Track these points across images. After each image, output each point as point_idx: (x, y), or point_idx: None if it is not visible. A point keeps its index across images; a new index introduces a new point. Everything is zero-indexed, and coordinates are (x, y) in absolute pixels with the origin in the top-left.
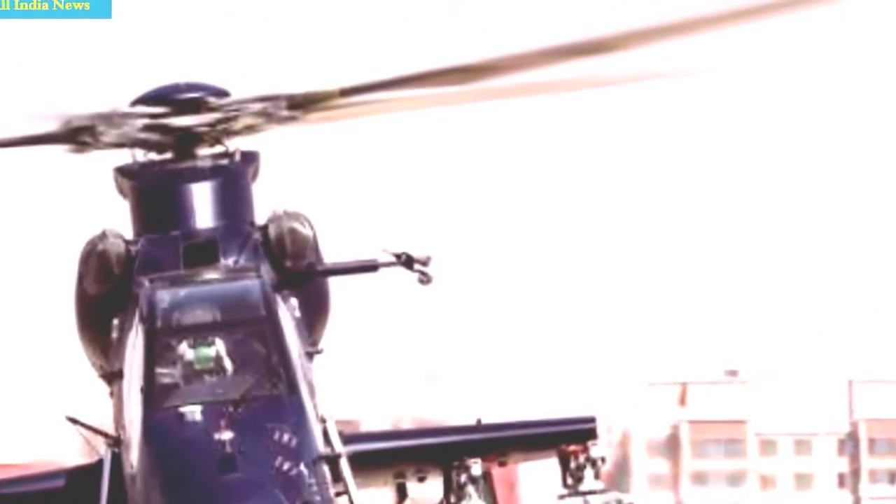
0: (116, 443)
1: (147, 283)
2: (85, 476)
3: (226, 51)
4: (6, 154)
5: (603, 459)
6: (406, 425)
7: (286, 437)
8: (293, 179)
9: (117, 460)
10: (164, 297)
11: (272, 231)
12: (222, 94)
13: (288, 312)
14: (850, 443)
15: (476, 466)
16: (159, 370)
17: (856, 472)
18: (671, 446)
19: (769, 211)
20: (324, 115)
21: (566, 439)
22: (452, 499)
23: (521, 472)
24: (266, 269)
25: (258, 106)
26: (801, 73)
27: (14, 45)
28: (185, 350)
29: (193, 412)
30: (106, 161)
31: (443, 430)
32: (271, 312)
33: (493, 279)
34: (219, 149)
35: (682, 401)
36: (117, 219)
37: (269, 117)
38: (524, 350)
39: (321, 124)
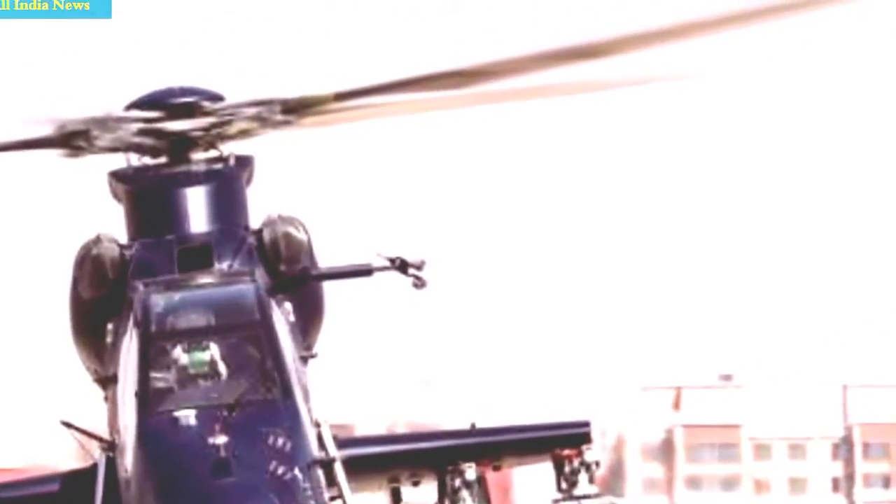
0: (111, 447)
1: (141, 288)
2: (79, 480)
3: (223, 52)
4: (0, 158)
5: (597, 463)
6: (400, 430)
7: (280, 441)
8: (288, 184)
9: (112, 465)
10: (159, 301)
11: (267, 235)
12: (217, 98)
13: (282, 317)
14: (844, 447)
15: (470, 471)
16: (154, 374)
17: (850, 477)
18: (665, 450)
19: (764, 215)
20: (318, 119)
21: (560, 443)
22: (447, 503)
23: (516, 476)
24: (260, 274)
25: (252, 110)
26: (797, 78)
27: (14, 45)
28: (180, 354)
29: (188, 416)
30: (100, 165)
31: (437, 434)
32: (266, 317)
33: (488, 283)
34: (213, 153)
35: (677, 405)
36: (112, 223)
37: (263, 122)
38: (518, 354)
39: (315, 129)
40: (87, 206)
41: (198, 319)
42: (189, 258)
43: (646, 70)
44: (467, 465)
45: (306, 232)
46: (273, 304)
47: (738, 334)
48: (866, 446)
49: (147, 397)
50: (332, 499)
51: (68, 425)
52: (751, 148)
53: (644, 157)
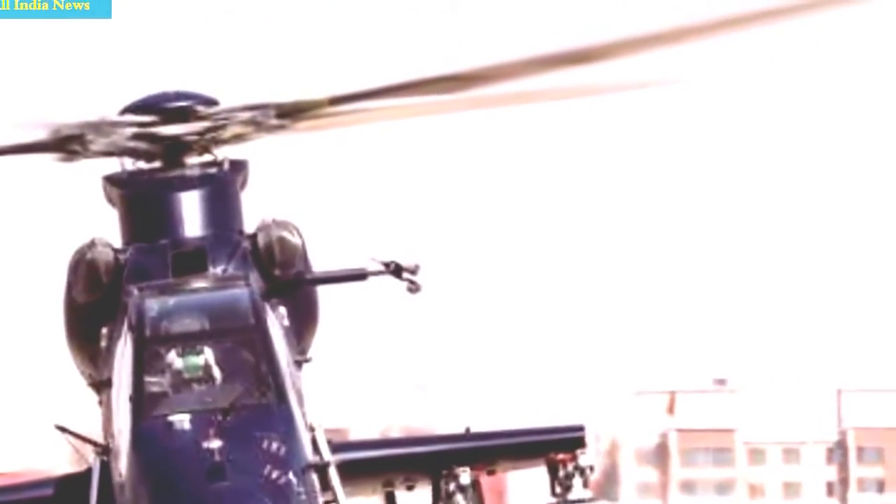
0: (105, 451)
1: (136, 292)
2: (74, 484)
3: (220, 55)
4: None
5: (591, 468)
6: (395, 434)
7: (275, 445)
8: (282, 188)
9: (106, 469)
10: (153, 305)
11: (261, 240)
12: (211, 102)
13: (276, 321)
14: (838, 451)
15: (465, 475)
16: (148, 379)
17: (844, 481)
18: (660, 455)
19: (758, 221)
20: (313, 123)
21: (555, 448)
22: None
23: (510, 480)
24: (255, 278)
25: (247, 115)
26: (792, 82)
27: (13, 45)
28: (174, 359)
29: (182, 421)
30: (95, 170)
31: (431, 438)
32: (260, 321)
33: (482, 288)
34: (207, 157)
35: (671, 409)
36: (106, 227)
37: (257, 126)
38: (513, 359)
39: (310, 133)
40: (81, 211)
41: (192, 324)
42: (183, 262)
43: (640, 75)
44: (462, 469)
45: (300, 236)
46: (267, 308)
47: (732, 339)
48: (860, 450)
49: (141, 401)
50: (327, 503)
51: (63, 429)
52: (744, 152)
53: (637, 160)
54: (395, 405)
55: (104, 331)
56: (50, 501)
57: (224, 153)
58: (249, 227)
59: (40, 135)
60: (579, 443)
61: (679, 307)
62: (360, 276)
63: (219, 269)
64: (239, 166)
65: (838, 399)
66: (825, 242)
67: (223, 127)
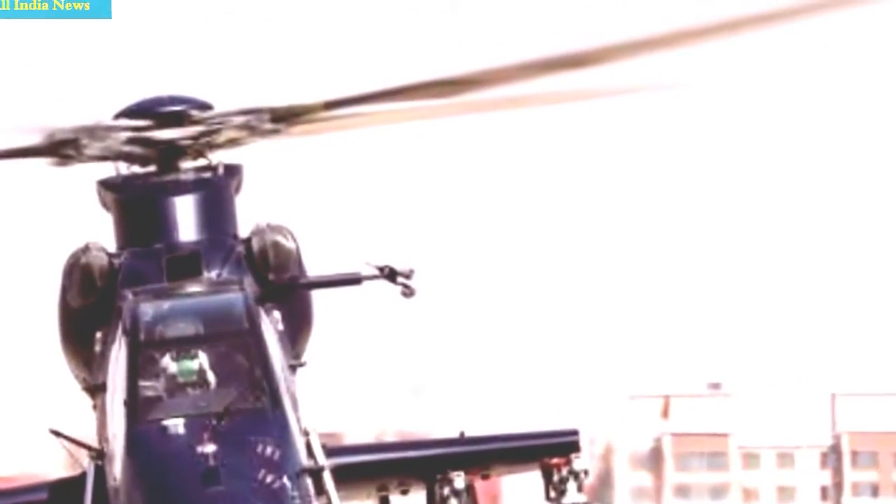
0: (100, 455)
1: (130, 296)
2: (68, 489)
3: (218, 55)
4: None
5: (586, 472)
6: (389, 438)
7: (269, 450)
8: (276, 192)
9: (101, 473)
10: (148, 309)
11: (255, 244)
12: (205, 107)
13: (271, 325)
14: (832, 456)
15: (459, 479)
16: (142, 383)
17: (838, 485)
18: (654, 459)
19: (753, 225)
20: (307, 128)
21: (549, 452)
22: None
23: (505, 484)
24: (249, 282)
25: (241, 119)
26: (789, 88)
27: (12, 45)
28: (169, 363)
29: (176, 425)
30: (89, 174)
31: (426, 443)
32: (254, 325)
33: (477, 292)
34: (202, 162)
35: (665, 413)
36: (100, 232)
37: (252, 130)
38: (507, 363)
39: (305, 137)
40: (75, 215)
41: (186, 328)
42: (178, 267)
43: (636, 79)
44: (456, 473)
45: (295, 240)
46: (262, 312)
47: (726, 343)
48: (855, 455)
49: (136, 406)
50: None
51: (57, 434)
52: (738, 157)
53: (632, 163)
54: (390, 409)
55: (98, 335)
56: None
57: (218, 157)
58: (244, 231)
59: (34, 139)
60: (574, 447)
61: (673, 311)
62: (354, 280)
63: (213, 274)
64: (233, 171)
65: (832, 403)
66: (820, 247)
67: (217, 131)
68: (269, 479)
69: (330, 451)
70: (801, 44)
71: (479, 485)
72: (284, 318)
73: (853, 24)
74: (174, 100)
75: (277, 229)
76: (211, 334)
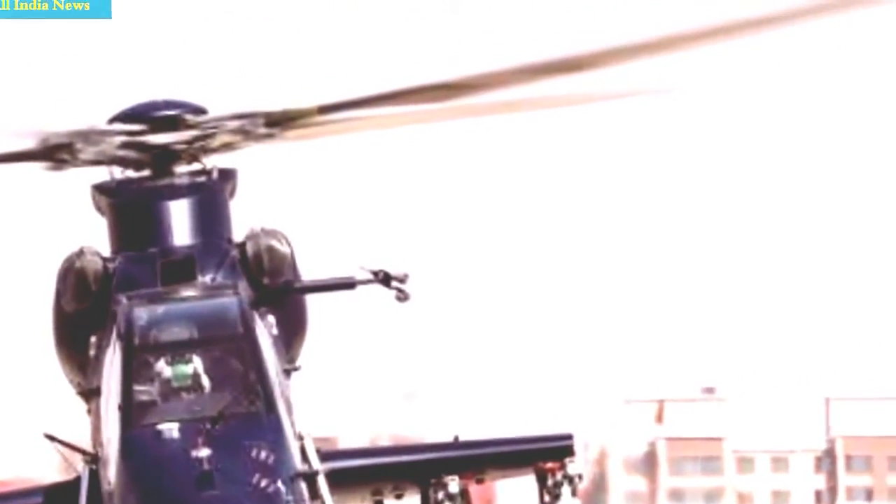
0: (94, 460)
1: (125, 301)
2: (63, 493)
3: (215, 57)
4: None
5: (580, 476)
6: (384, 443)
7: (264, 454)
8: (271, 197)
9: (95, 477)
10: (142, 314)
11: (250, 248)
12: (200, 111)
13: (265, 330)
14: (827, 460)
15: (453, 484)
16: (137, 387)
17: (833, 490)
18: (648, 463)
19: (747, 230)
20: (302, 132)
21: (543, 456)
22: None
23: (499, 489)
24: (243, 287)
25: (236, 123)
26: (784, 94)
27: (14, 45)
28: (163, 367)
29: (171, 429)
30: (83, 178)
31: (420, 447)
32: (249, 330)
33: (471, 297)
34: (196, 166)
35: (660, 418)
36: (95, 236)
37: (246, 135)
38: (502, 367)
39: (299, 142)
40: (70, 219)
41: (181, 332)
42: (172, 271)
43: (631, 83)
44: (450, 478)
45: (289, 245)
46: (256, 317)
47: (720, 347)
48: (849, 459)
49: (130, 410)
50: None
51: (52, 438)
52: (732, 160)
53: (625, 167)
54: (384, 414)
55: (93, 339)
56: None
57: (213, 162)
58: (238, 235)
59: (29, 143)
60: (568, 451)
61: (668, 316)
62: (348, 284)
63: (207, 278)
64: (228, 175)
65: (827, 408)
66: (814, 252)
67: (212, 136)
68: (263, 483)
69: (324, 456)
70: (797, 47)
71: (474, 489)
72: (279, 323)
73: (850, 26)
74: (168, 104)
75: (272, 233)
76: (205, 338)
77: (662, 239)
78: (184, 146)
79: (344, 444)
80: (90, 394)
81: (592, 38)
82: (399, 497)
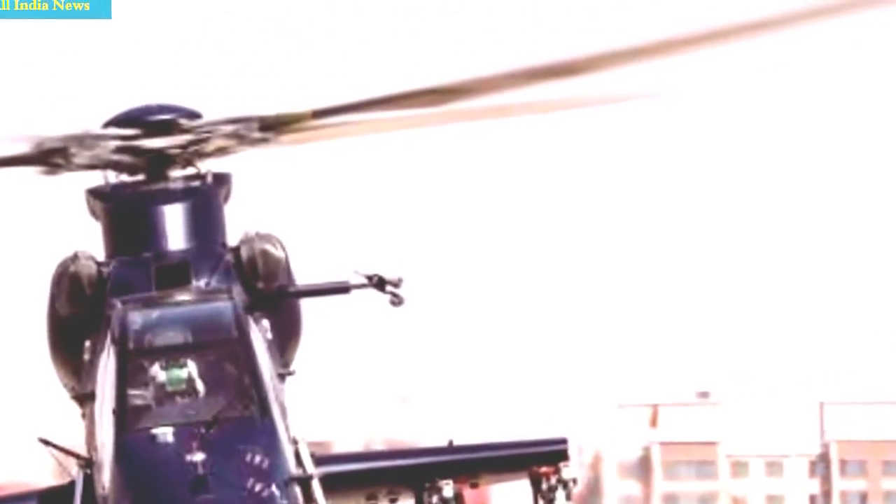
0: (88, 464)
1: (119, 305)
2: (57, 497)
3: (211, 58)
4: None
5: (574, 481)
6: (378, 447)
7: (258, 458)
8: (265, 201)
9: (89, 482)
10: (136, 318)
11: (244, 253)
12: (194, 115)
13: (260, 334)
14: (821, 464)
15: (448, 488)
16: (131, 392)
17: (827, 494)
18: (642, 468)
19: (740, 234)
20: (296, 136)
21: (538, 461)
22: None
23: (493, 493)
24: (238, 291)
25: (230, 128)
26: (775, 98)
27: (14, 45)
28: (157, 372)
29: (165, 434)
30: (78, 183)
31: (414, 451)
32: (243, 334)
33: (465, 301)
34: (191, 170)
35: (654, 422)
36: (89, 240)
37: (241, 139)
38: (496, 372)
39: (293, 146)
40: (64, 224)
41: (175, 337)
42: (166, 275)
43: (624, 87)
44: (445, 482)
45: (284, 249)
46: (250, 321)
47: (714, 351)
48: (843, 463)
49: (124, 414)
50: None
51: (46, 442)
52: (725, 165)
53: (618, 172)
54: (379, 418)
55: (87, 344)
56: None
57: (207, 166)
58: (233, 239)
59: (23, 148)
60: (562, 456)
61: (662, 320)
62: (343, 289)
63: (202, 283)
64: (222, 179)
65: (821, 412)
66: (808, 256)
67: (206, 140)
68: (257, 487)
69: (318, 460)
70: (793, 50)
71: (468, 493)
72: (273, 327)
73: (847, 28)
74: (163, 108)
75: (266, 238)
76: (200, 343)
77: (657, 244)
78: (178, 150)
79: (338, 448)
80: (84, 398)
81: (587, 42)
82: (393, 501)
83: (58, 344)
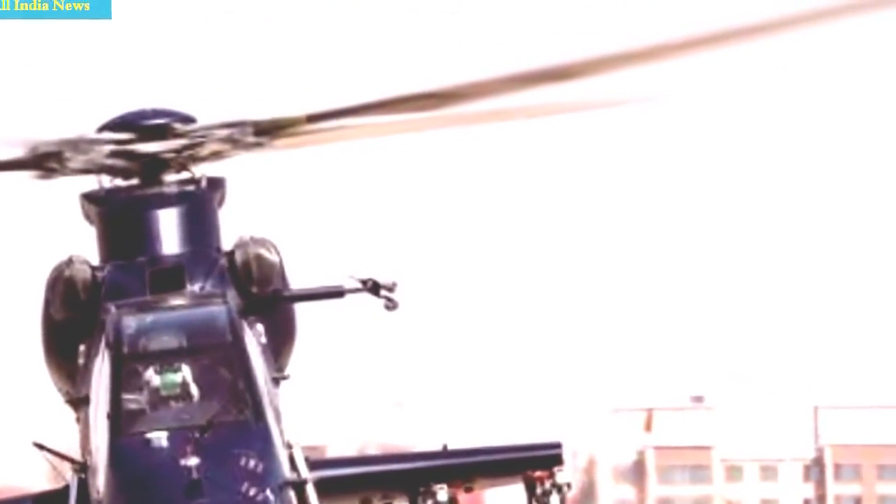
0: (83, 468)
1: (113, 309)
2: (52, 502)
3: (202, 68)
4: None
5: (569, 485)
6: (372, 451)
7: (252, 462)
8: (259, 205)
9: (84, 486)
10: (131, 322)
11: (238, 257)
12: (188, 120)
13: (254, 338)
14: (815, 468)
15: (442, 492)
16: (125, 396)
17: (821, 498)
18: (637, 472)
19: (734, 239)
20: (290, 141)
21: (532, 465)
22: None
23: (488, 497)
24: (232, 295)
25: (224, 132)
26: (770, 104)
27: (13, 45)
28: (152, 376)
29: (160, 438)
30: (72, 187)
31: (409, 456)
32: (237, 338)
33: (460, 305)
34: (185, 175)
35: (648, 427)
36: (84, 245)
37: (235, 143)
38: (490, 376)
39: (288, 150)
40: (59, 228)
41: (170, 341)
42: (161, 280)
43: (620, 92)
44: (439, 486)
45: (278, 253)
46: (245, 325)
47: (709, 356)
48: (837, 468)
49: (119, 419)
50: None
51: (40, 447)
52: (719, 170)
53: (612, 177)
54: (373, 422)
55: (82, 348)
56: None
57: (202, 170)
58: (227, 244)
59: (18, 152)
60: (557, 460)
61: (656, 324)
62: (337, 293)
63: (196, 287)
64: (216, 184)
65: (815, 416)
66: (802, 260)
67: (201, 144)
68: (252, 491)
69: (313, 464)
70: (788, 54)
71: (462, 497)
72: (267, 331)
73: (845, 30)
74: (157, 113)
75: (260, 242)
76: (194, 347)
77: (651, 249)
78: (173, 155)
79: (333, 452)
80: (79, 402)
81: (582, 46)
82: None
83: (52, 348)
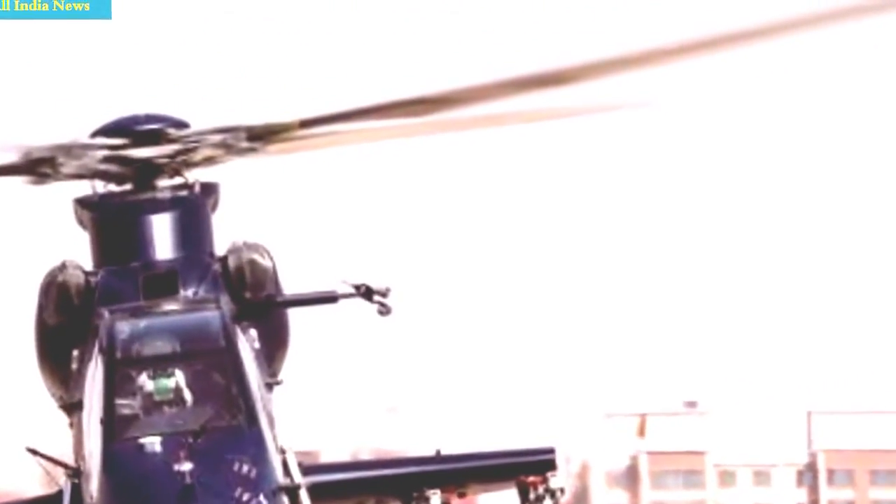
0: (76, 474)
1: (107, 315)
2: None
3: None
4: None
5: (562, 490)
6: (365, 456)
7: (245, 468)
8: (253, 211)
9: (77, 491)
10: (124, 328)
11: (232, 262)
12: (182, 125)
13: (247, 343)
14: (808, 474)
15: (435, 497)
16: (119, 401)
17: (815, 503)
18: (630, 477)
19: (728, 244)
20: (283, 146)
21: (525, 470)
22: None
23: (481, 502)
24: (225, 301)
25: (218, 137)
26: (766, 108)
27: (14, 45)
28: (145, 381)
29: (153, 443)
30: (66, 192)
31: (402, 461)
32: (231, 344)
33: (453, 311)
34: (178, 180)
35: (641, 432)
36: (77, 250)
37: (228, 149)
38: (484, 382)
39: (281, 156)
40: (52, 233)
41: (163, 346)
42: (154, 285)
43: (613, 97)
44: (432, 491)
45: (271, 259)
46: (238, 330)
47: (702, 361)
48: (831, 473)
49: (112, 424)
50: None
51: (34, 452)
52: (713, 175)
53: (606, 182)
54: (366, 428)
55: (75, 353)
56: None
57: (195, 176)
58: (220, 249)
59: (10, 158)
60: (550, 465)
61: (649, 330)
62: (330, 298)
63: (190, 292)
64: (210, 189)
65: (808, 421)
66: (795, 266)
67: (194, 150)
68: (245, 497)
69: (306, 470)
70: (784, 58)
71: (456, 503)
72: (261, 337)
73: (842, 33)
74: (151, 118)
75: (254, 247)
76: (187, 352)
77: (645, 254)
78: (166, 160)
79: (326, 457)
80: (72, 407)
81: (576, 51)
82: None
83: (45, 353)
